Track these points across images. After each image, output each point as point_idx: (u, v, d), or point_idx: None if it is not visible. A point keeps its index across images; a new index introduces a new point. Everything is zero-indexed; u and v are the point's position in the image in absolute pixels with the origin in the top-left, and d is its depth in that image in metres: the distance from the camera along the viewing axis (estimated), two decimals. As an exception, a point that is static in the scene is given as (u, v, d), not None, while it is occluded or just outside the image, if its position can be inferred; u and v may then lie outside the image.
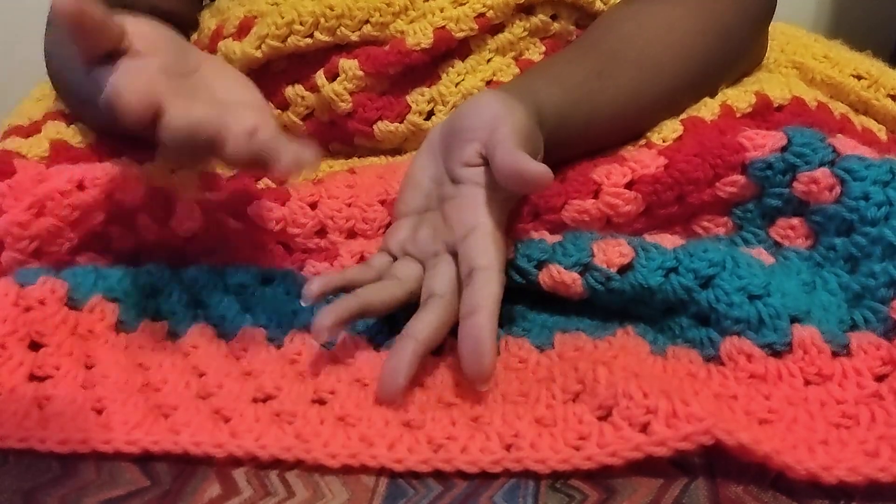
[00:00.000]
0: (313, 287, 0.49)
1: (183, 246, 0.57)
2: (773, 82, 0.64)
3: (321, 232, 0.58)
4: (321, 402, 0.46)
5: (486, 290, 0.47)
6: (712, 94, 0.63)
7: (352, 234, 0.57)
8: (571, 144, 0.58)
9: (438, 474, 0.42)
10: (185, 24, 0.76)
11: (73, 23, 0.45)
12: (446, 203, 0.52)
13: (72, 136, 0.67)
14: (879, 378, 0.45)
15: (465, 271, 0.48)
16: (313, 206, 0.58)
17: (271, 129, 0.50)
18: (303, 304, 0.49)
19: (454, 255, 0.50)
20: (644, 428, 0.42)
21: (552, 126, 0.54)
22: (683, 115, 0.61)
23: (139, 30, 0.50)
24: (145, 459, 0.44)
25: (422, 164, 0.56)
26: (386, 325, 0.52)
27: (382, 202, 0.58)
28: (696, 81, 0.63)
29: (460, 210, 0.51)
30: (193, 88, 0.51)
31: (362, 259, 0.56)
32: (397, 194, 0.57)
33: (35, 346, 0.50)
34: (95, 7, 0.46)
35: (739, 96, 0.61)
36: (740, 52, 0.67)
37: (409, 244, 0.53)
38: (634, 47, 0.61)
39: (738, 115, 0.60)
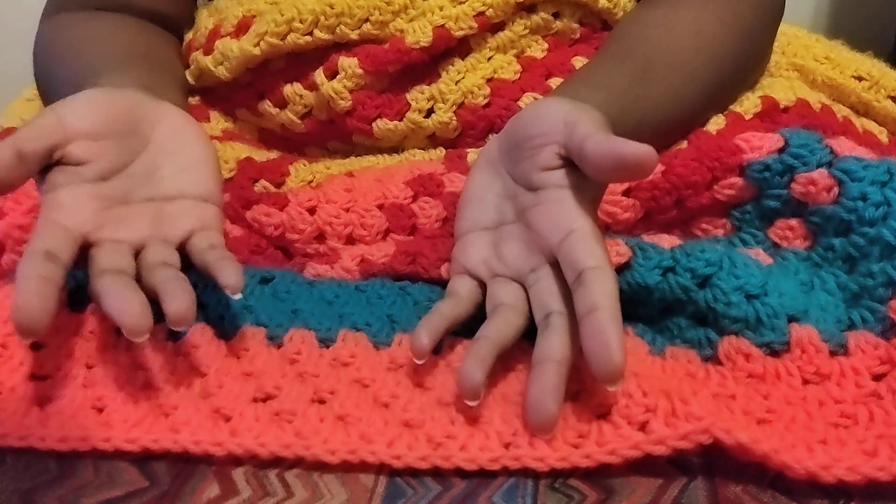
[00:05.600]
0: (424, 343, 0.46)
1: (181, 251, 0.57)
2: (777, 86, 0.65)
3: (320, 237, 0.58)
4: (321, 401, 0.46)
5: (603, 288, 0.43)
6: (735, 98, 0.64)
7: (350, 240, 0.57)
8: None
9: (437, 474, 0.42)
10: (177, 24, 0.76)
11: None
12: (529, 212, 0.50)
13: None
14: (877, 377, 0.45)
15: (571, 276, 0.45)
16: (311, 211, 0.58)
17: (211, 231, 0.54)
18: (417, 362, 0.47)
19: (553, 264, 0.48)
20: (643, 426, 0.42)
21: None
22: None
23: (83, 128, 0.51)
24: (144, 460, 0.44)
25: (483, 179, 0.54)
26: (387, 324, 0.52)
27: (380, 207, 0.58)
28: (726, 84, 0.63)
29: (550, 215, 0.48)
30: (130, 188, 0.53)
31: (363, 262, 0.56)
32: (457, 213, 0.55)
33: (36, 347, 0.50)
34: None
35: (744, 102, 0.62)
36: (761, 53, 0.68)
37: (496, 264, 0.51)
38: (668, 53, 0.60)
39: (747, 117, 0.61)
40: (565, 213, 0.48)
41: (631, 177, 0.48)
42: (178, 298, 0.45)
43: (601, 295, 0.43)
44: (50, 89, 0.69)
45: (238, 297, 0.48)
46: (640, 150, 0.44)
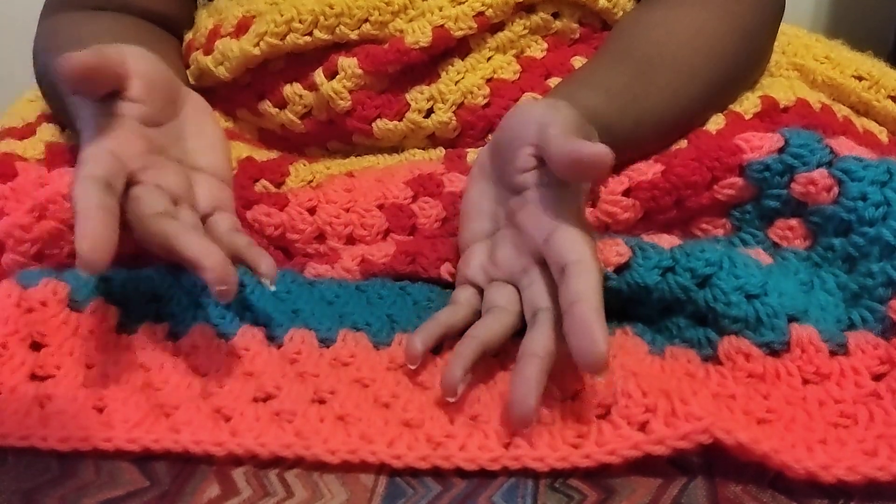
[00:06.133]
0: (417, 348, 0.48)
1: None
2: (777, 86, 0.65)
3: (320, 237, 0.58)
4: (321, 401, 0.47)
5: (584, 281, 0.44)
6: (735, 97, 0.64)
7: (350, 240, 0.57)
8: (619, 151, 0.57)
9: (437, 474, 0.43)
10: (176, 25, 0.76)
11: (81, 78, 0.48)
12: (517, 215, 0.50)
13: (67, 138, 0.67)
14: (877, 377, 0.45)
15: (556, 272, 0.46)
16: (312, 211, 0.58)
17: (229, 214, 0.55)
18: (410, 367, 0.48)
19: (542, 264, 0.48)
20: (643, 427, 0.42)
21: (599, 133, 0.53)
22: None
23: (142, 71, 0.53)
24: (145, 459, 0.44)
25: (478, 189, 0.55)
26: (386, 324, 0.52)
27: (380, 207, 0.58)
28: (726, 83, 0.63)
29: (534, 215, 0.49)
30: (166, 145, 0.54)
31: (364, 262, 0.56)
32: (459, 225, 0.56)
33: (36, 347, 0.50)
34: (103, 59, 0.48)
35: (744, 101, 0.62)
36: (761, 53, 0.68)
37: (491, 269, 0.52)
38: (668, 52, 0.61)
39: (747, 117, 0.60)
40: (548, 211, 0.48)
41: (589, 176, 0.49)
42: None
43: (583, 286, 0.43)
44: (53, 87, 0.69)
45: (273, 287, 0.49)
46: (596, 150, 0.44)
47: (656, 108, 0.59)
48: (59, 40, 0.72)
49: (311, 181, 0.64)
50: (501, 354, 0.50)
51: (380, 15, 0.65)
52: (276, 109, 0.69)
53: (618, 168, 0.57)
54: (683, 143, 0.59)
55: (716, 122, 0.61)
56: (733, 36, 0.63)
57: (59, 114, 0.71)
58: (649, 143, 0.58)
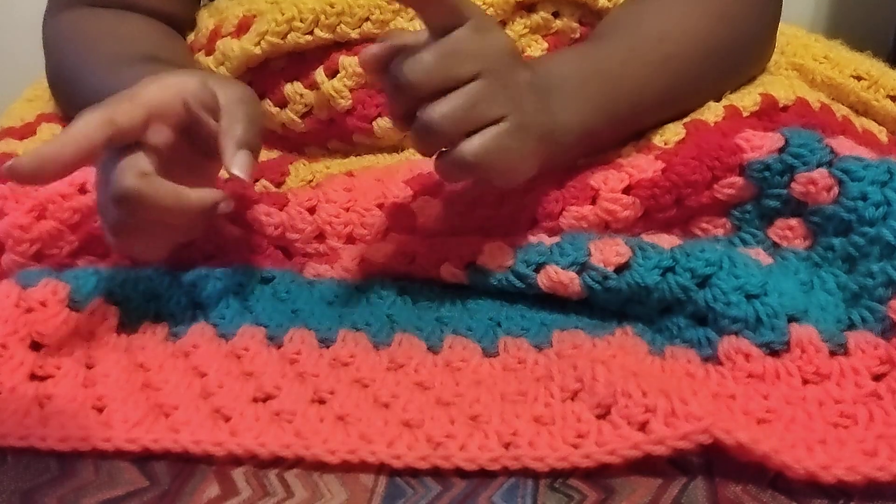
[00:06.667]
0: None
1: (181, 251, 0.57)
2: (777, 84, 0.64)
3: (320, 237, 0.58)
4: (321, 401, 0.47)
5: None
6: (723, 87, 0.64)
7: (350, 240, 0.57)
8: (598, 110, 0.57)
9: (437, 473, 0.42)
10: (182, 25, 0.76)
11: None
12: None
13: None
14: (877, 377, 0.45)
15: None
16: (311, 210, 0.58)
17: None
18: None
19: None
20: (643, 427, 0.42)
21: (567, 86, 0.55)
22: (687, 119, 0.61)
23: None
24: (144, 459, 0.44)
25: None
26: (386, 324, 0.52)
27: (380, 206, 0.58)
28: (710, 67, 0.63)
29: None
30: None
31: (363, 262, 0.56)
32: None
33: (36, 347, 0.50)
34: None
35: (744, 97, 0.62)
36: (751, 41, 0.67)
37: None
38: (637, 28, 0.62)
39: (745, 114, 0.60)
40: None
41: None
42: None
43: None
44: (70, 84, 0.69)
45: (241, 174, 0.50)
46: None
47: (635, 83, 0.59)
48: (91, 30, 0.71)
49: (311, 181, 0.64)
50: (502, 354, 0.50)
51: (381, 13, 0.65)
52: (277, 108, 0.69)
53: (605, 147, 0.58)
54: (682, 134, 0.59)
55: (715, 114, 0.60)
56: (710, 20, 0.63)
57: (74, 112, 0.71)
58: (632, 105, 0.59)
